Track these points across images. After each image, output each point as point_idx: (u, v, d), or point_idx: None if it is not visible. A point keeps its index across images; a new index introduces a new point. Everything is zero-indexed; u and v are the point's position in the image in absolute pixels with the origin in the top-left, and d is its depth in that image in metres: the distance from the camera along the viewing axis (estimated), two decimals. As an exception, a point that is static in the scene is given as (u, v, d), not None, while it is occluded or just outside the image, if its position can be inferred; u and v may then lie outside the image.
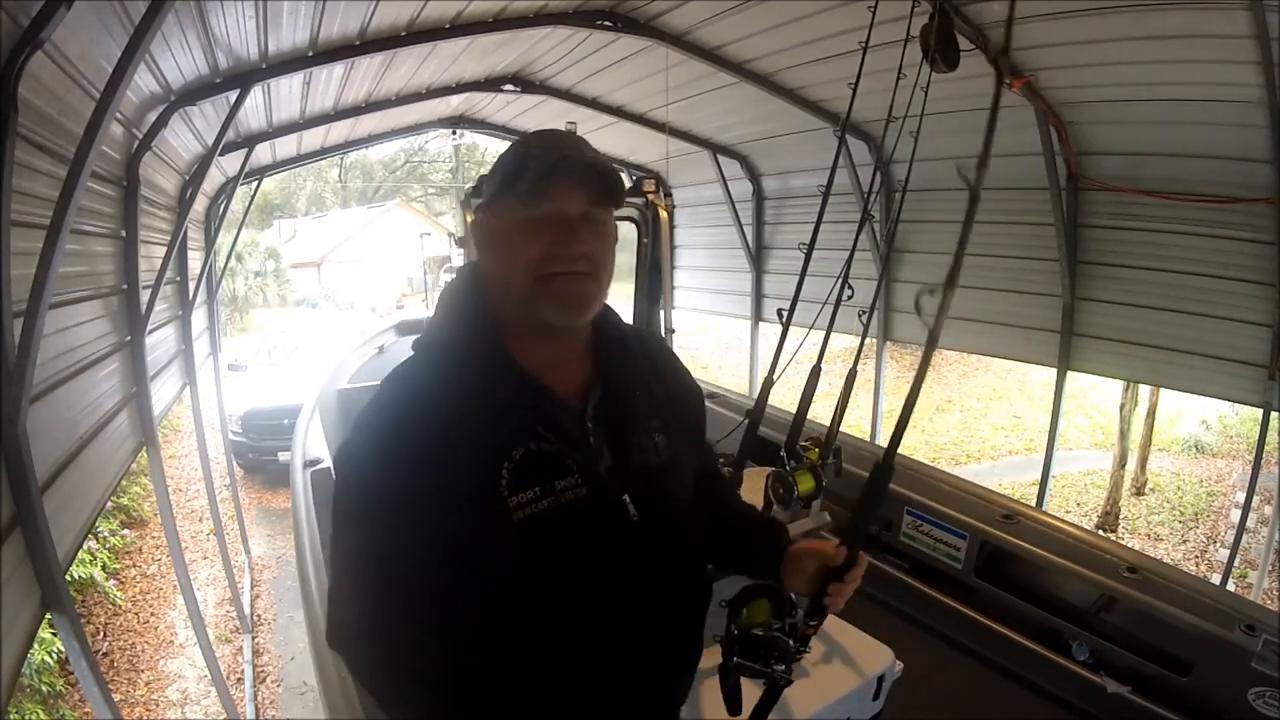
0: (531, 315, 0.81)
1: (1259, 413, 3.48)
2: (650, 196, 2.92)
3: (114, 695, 3.64)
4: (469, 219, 2.83)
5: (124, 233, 2.95)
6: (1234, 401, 4.36)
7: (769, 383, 1.86)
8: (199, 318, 4.99)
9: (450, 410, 0.77)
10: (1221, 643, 1.78)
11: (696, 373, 1.76)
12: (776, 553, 0.95)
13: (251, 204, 7.61)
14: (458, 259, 2.94)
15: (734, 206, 6.33)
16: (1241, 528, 4.08)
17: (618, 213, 0.86)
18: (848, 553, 0.90)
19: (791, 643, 0.91)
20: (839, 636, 1.65)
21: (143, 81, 2.54)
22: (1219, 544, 7.63)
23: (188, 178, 4.07)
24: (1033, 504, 4.16)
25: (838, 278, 1.87)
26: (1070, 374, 4.19)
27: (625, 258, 2.94)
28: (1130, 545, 4.98)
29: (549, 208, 0.78)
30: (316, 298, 19.88)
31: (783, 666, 0.91)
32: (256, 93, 3.31)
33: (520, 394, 0.80)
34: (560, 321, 0.81)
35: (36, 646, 3.81)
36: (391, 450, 0.76)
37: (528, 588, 0.79)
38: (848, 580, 0.90)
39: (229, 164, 4.68)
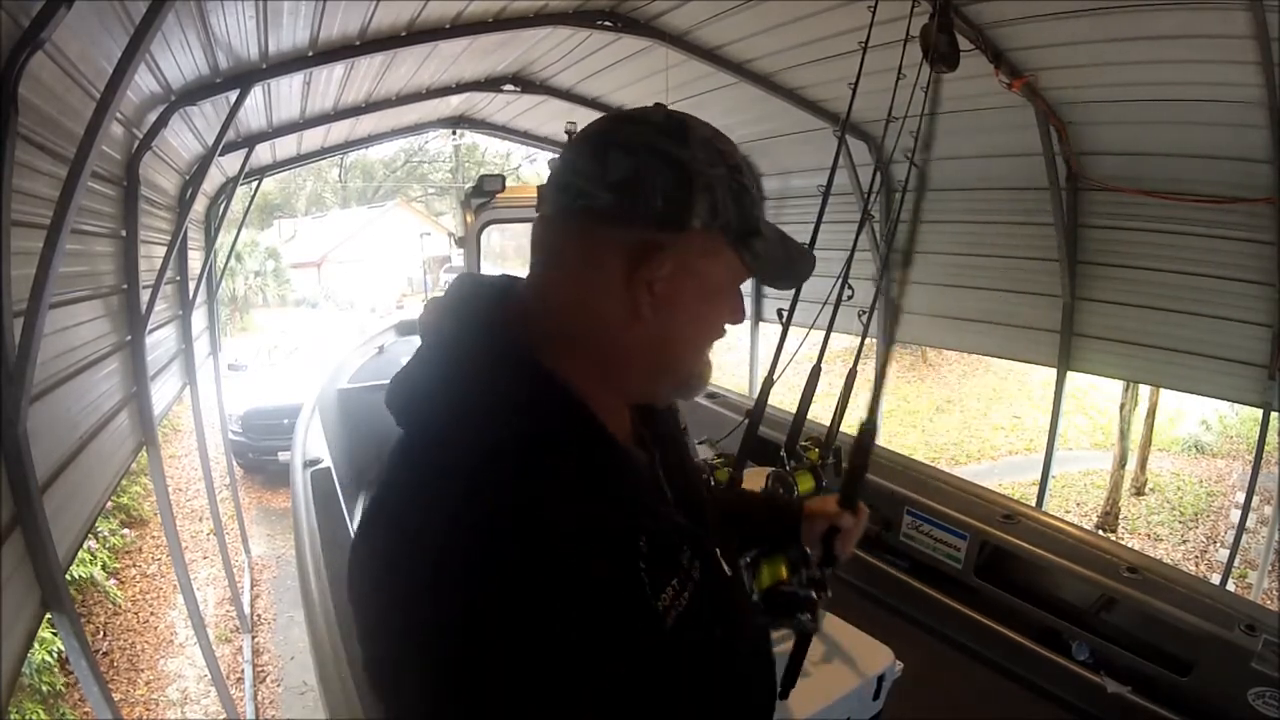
0: (654, 391, 0.64)
1: (1259, 413, 3.48)
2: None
3: (114, 695, 3.64)
4: (469, 219, 2.83)
5: (124, 233, 2.95)
6: (1234, 401, 4.36)
7: (769, 383, 1.86)
8: (199, 318, 4.99)
9: (560, 500, 0.53)
10: (1221, 643, 1.78)
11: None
12: (797, 521, 0.98)
13: (251, 204, 7.62)
14: (457, 259, 2.93)
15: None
16: (1241, 528, 4.08)
17: None
18: (852, 512, 0.96)
19: (813, 593, 0.96)
20: (839, 636, 1.64)
21: (143, 81, 2.54)
22: (1219, 544, 7.63)
23: (188, 178, 4.07)
24: (1033, 504, 4.16)
25: (838, 278, 1.87)
26: (1070, 374, 4.19)
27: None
28: (1130, 545, 4.98)
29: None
30: (316, 298, 19.88)
31: (808, 615, 0.96)
32: (256, 93, 3.31)
33: (622, 463, 0.60)
34: (678, 400, 0.67)
35: (36, 646, 3.81)
36: (518, 564, 0.49)
37: (688, 698, 0.61)
38: (854, 531, 0.96)
39: (229, 164, 4.68)
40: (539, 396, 0.57)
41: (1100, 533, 6.84)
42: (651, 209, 0.55)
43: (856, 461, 1.01)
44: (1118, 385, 8.77)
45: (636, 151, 0.56)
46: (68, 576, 2.03)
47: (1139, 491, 8.75)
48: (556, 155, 0.66)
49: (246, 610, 5.52)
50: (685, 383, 0.63)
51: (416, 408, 0.59)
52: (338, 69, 3.68)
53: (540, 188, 0.63)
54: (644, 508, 0.60)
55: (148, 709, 4.56)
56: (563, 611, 0.49)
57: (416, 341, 0.65)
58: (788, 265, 0.63)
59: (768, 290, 6.39)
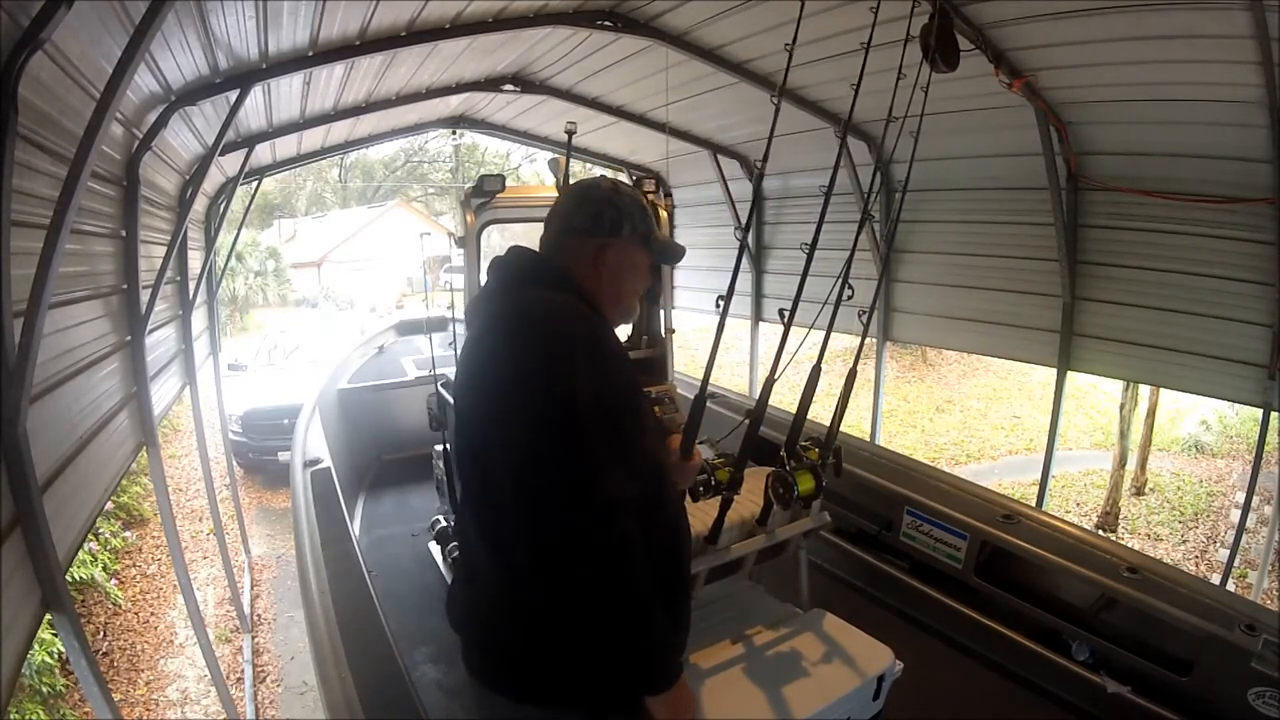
0: (608, 318, 1.22)
1: (1259, 413, 3.47)
2: (650, 197, 2.92)
3: (114, 695, 3.64)
4: (469, 219, 2.83)
5: (124, 233, 2.95)
6: (1234, 401, 4.36)
7: (769, 383, 1.86)
8: (199, 317, 4.99)
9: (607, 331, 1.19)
10: (1221, 643, 1.79)
11: (696, 372, 1.77)
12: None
13: (251, 204, 7.60)
14: (457, 259, 2.93)
15: (734, 206, 6.33)
16: (1241, 528, 4.08)
17: None
18: (685, 458, 1.46)
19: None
20: (839, 636, 1.65)
21: (143, 81, 2.54)
22: (1219, 544, 7.63)
23: (188, 178, 4.06)
24: (1033, 504, 4.16)
25: (838, 278, 1.87)
26: (1070, 374, 4.19)
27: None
28: (1130, 545, 4.98)
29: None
30: (316, 297, 19.88)
31: (705, 475, 1.69)
32: (256, 93, 3.31)
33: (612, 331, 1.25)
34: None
35: (36, 646, 3.81)
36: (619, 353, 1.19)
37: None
38: (682, 470, 1.45)
39: (229, 164, 4.68)
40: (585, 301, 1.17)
41: (1100, 533, 6.84)
42: (604, 227, 1.21)
43: (693, 413, 1.63)
44: (1118, 385, 8.78)
45: (598, 204, 1.22)
46: (68, 577, 2.03)
47: (1139, 491, 8.75)
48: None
49: (246, 610, 5.51)
50: (623, 316, 1.27)
51: (513, 293, 1.17)
52: (338, 69, 3.68)
53: (551, 208, 1.25)
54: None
55: (148, 709, 4.55)
56: (621, 362, 1.17)
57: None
58: (668, 252, 1.31)
59: (769, 291, 6.43)
